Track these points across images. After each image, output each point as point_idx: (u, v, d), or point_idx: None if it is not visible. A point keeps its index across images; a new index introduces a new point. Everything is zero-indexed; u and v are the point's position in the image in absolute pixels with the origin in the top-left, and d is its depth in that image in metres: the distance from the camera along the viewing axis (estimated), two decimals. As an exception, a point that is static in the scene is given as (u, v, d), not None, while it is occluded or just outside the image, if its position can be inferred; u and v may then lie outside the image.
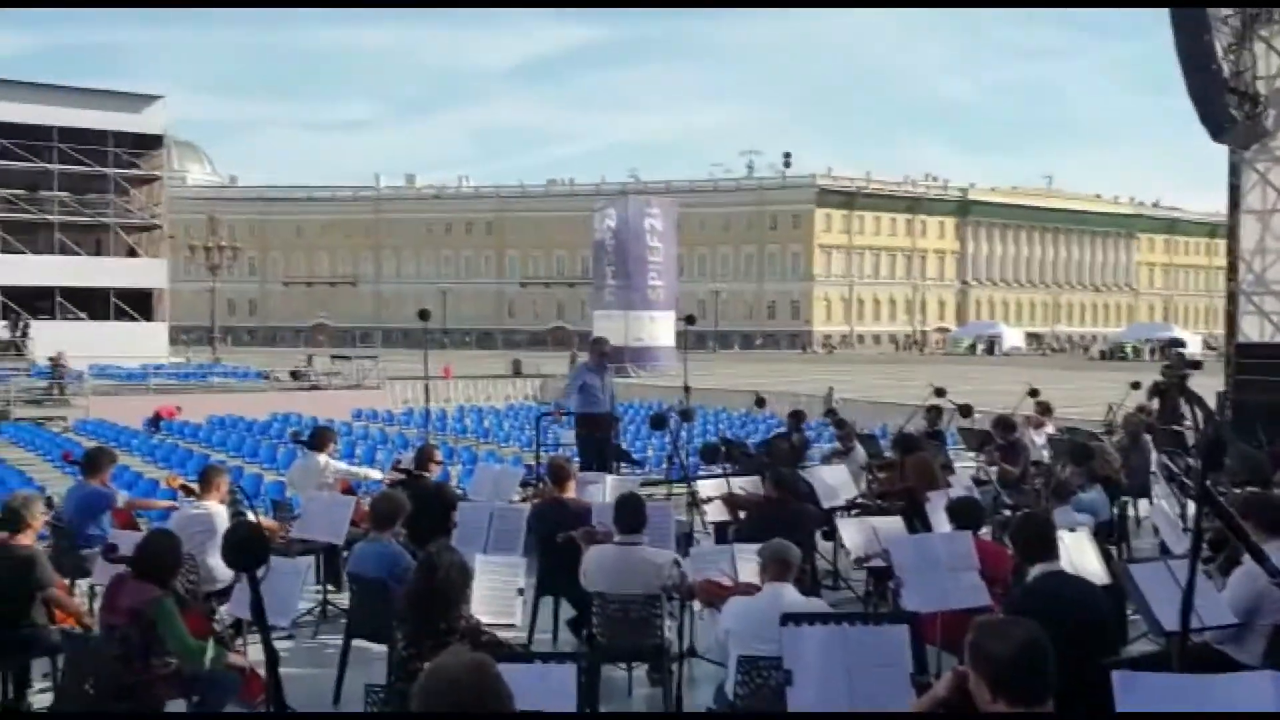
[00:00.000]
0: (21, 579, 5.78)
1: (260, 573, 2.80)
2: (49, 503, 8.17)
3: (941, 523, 7.30)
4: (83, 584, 7.31)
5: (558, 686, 3.29)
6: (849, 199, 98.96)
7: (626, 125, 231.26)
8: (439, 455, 9.37)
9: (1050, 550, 5.00)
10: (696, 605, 6.18)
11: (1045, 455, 11.49)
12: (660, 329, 42.61)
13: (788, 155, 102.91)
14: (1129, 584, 5.21)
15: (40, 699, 6.14)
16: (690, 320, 14.13)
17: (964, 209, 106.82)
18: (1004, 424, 11.09)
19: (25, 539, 5.94)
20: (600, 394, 10.88)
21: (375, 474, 9.87)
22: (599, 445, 10.62)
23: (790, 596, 5.11)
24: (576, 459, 10.17)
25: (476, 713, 2.32)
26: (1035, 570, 4.97)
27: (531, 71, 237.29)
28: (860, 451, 10.70)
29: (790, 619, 4.13)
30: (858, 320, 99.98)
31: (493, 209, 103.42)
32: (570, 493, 7.44)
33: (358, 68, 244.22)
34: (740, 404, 31.38)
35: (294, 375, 38.92)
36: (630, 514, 6.25)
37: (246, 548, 2.84)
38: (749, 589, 5.56)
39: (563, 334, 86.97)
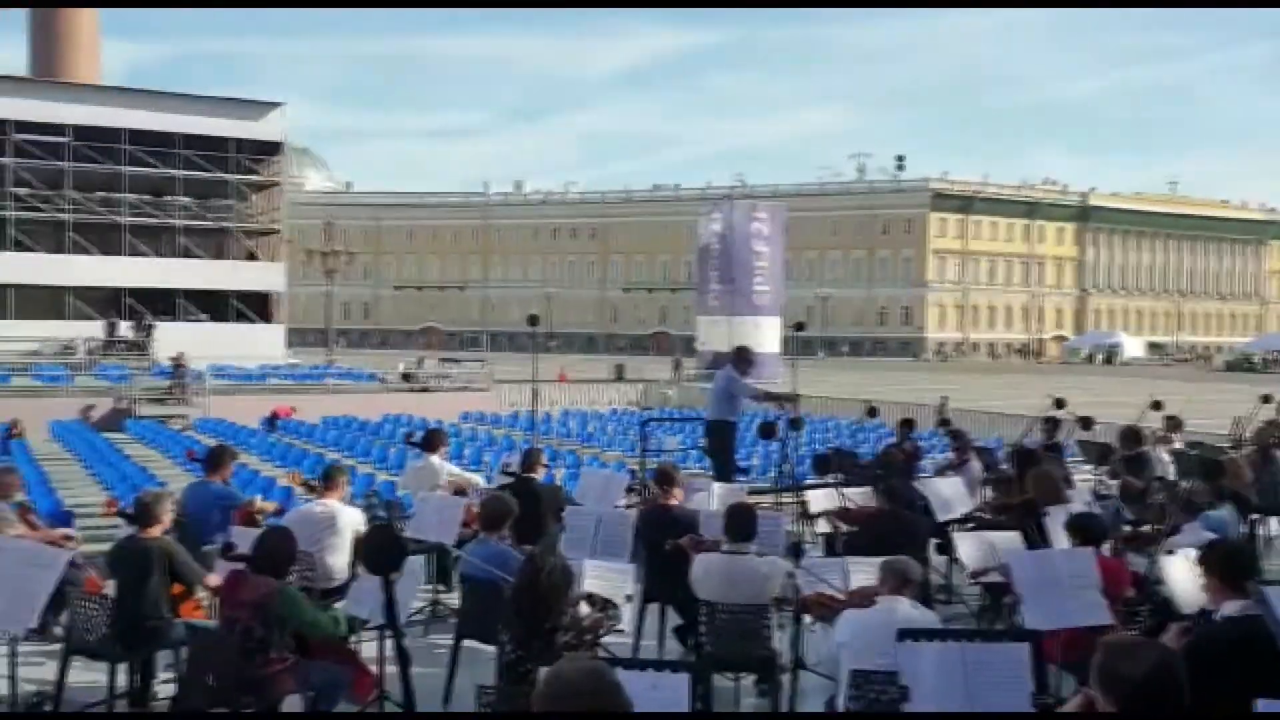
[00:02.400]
0: (151, 571, 5.97)
1: (394, 576, 2.83)
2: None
3: (1061, 538, 7.07)
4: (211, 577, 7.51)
5: (671, 695, 3.25)
6: (964, 203, 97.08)
7: (733, 129, 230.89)
8: (545, 458, 9.42)
9: (1248, 584, 4.64)
10: (806, 617, 6.08)
11: (1170, 470, 11.06)
12: (766, 335, 42.16)
13: (901, 158, 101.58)
14: (1263, 606, 4.95)
15: (164, 689, 6.33)
16: (800, 327, 14.01)
17: (1084, 214, 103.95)
18: (1132, 436, 10.70)
19: (154, 533, 6.13)
20: (740, 403, 10.92)
21: (479, 481, 9.97)
22: (728, 452, 10.60)
23: (907, 611, 5.00)
24: (701, 465, 10.14)
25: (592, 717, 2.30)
26: (1234, 605, 4.52)
27: (638, 76, 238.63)
28: (976, 464, 10.42)
29: (908, 634, 4.03)
30: (972, 328, 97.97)
31: (598, 214, 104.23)
32: (677, 499, 7.40)
33: (469, 75, 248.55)
34: (849, 412, 30.94)
35: (405, 377, 39.60)
36: (740, 523, 6.20)
37: (386, 551, 2.87)
38: (863, 601, 5.47)
39: (665, 339, 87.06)
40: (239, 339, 42.63)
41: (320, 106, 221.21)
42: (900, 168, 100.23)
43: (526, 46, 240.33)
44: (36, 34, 49.10)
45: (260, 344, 43.15)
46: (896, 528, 7.07)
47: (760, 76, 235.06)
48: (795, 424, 10.17)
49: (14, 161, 43.03)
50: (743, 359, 11.85)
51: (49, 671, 6.17)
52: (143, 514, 6.13)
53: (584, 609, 5.05)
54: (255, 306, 46.77)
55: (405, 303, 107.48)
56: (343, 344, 63.27)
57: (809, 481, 9.59)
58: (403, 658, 2.58)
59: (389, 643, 5.97)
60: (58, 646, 6.40)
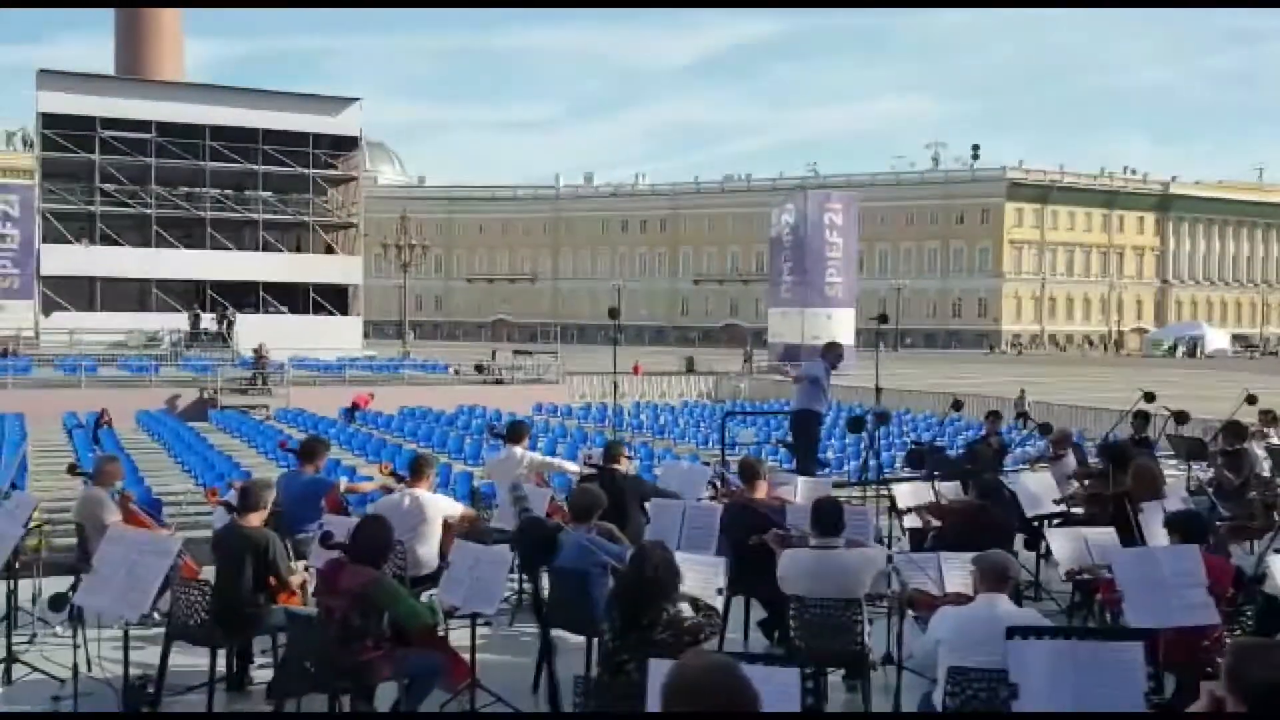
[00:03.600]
0: (251, 559, 6.09)
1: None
2: None
3: (1158, 535, 6.90)
4: (297, 566, 7.65)
5: (782, 690, 3.22)
6: (1041, 193, 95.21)
7: (804, 119, 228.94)
8: (627, 449, 9.42)
9: None
10: (909, 612, 6.01)
11: (1265, 466, 10.75)
12: (839, 327, 41.83)
13: (976, 147, 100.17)
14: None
15: (261, 674, 6.46)
16: (884, 319, 13.79)
17: (1165, 203, 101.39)
18: (1234, 431, 10.41)
19: (253, 521, 6.25)
20: (827, 395, 10.87)
21: (572, 467, 10.01)
22: (813, 443, 10.54)
23: (1007, 608, 4.92)
24: (774, 458, 10.08)
25: (723, 714, 2.28)
26: None
27: (709, 68, 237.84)
28: (1071, 459, 10.21)
29: (1017, 632, 3.95)
30: (1049, 319, 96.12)
31: (668, 206, 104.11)
32: (761, 493, 7.35)
33: (539, 68, 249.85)
34: (926, 405, 30.58)
35: (478, 369, 39.95)
36: (828, 517, 6.14)
37: (544, 547, 2.88)
38: (960, 599, 5.39)
39: (736, 331, 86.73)
40: (317, 331, 43.36)
41: (393, 101, 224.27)
42: (976, 157, 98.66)
43: (596, 39, 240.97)
44: (122, 34, 50.39)
45: (338, 336, 43.86)
46: (988, 523, 6.96)
47: (831, 65, 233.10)
48: (883, 418, 10.05)
49: (102, 158, 44.19)
50: (833, 352, 11.84)
51: (150, 655, 6.32)
52: (244, 503, 6.26)
53: (686, 610, 5.04)
54: (333, 299, 47.52)
55: (476, 295, 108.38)
56: (414, 336, 63.94)
57: (895, 475, 9.48)
58: (545, 645, 2.57)
59: (480, 630, 6.05)
60: (158, 631, 6.56)
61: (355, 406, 30.95)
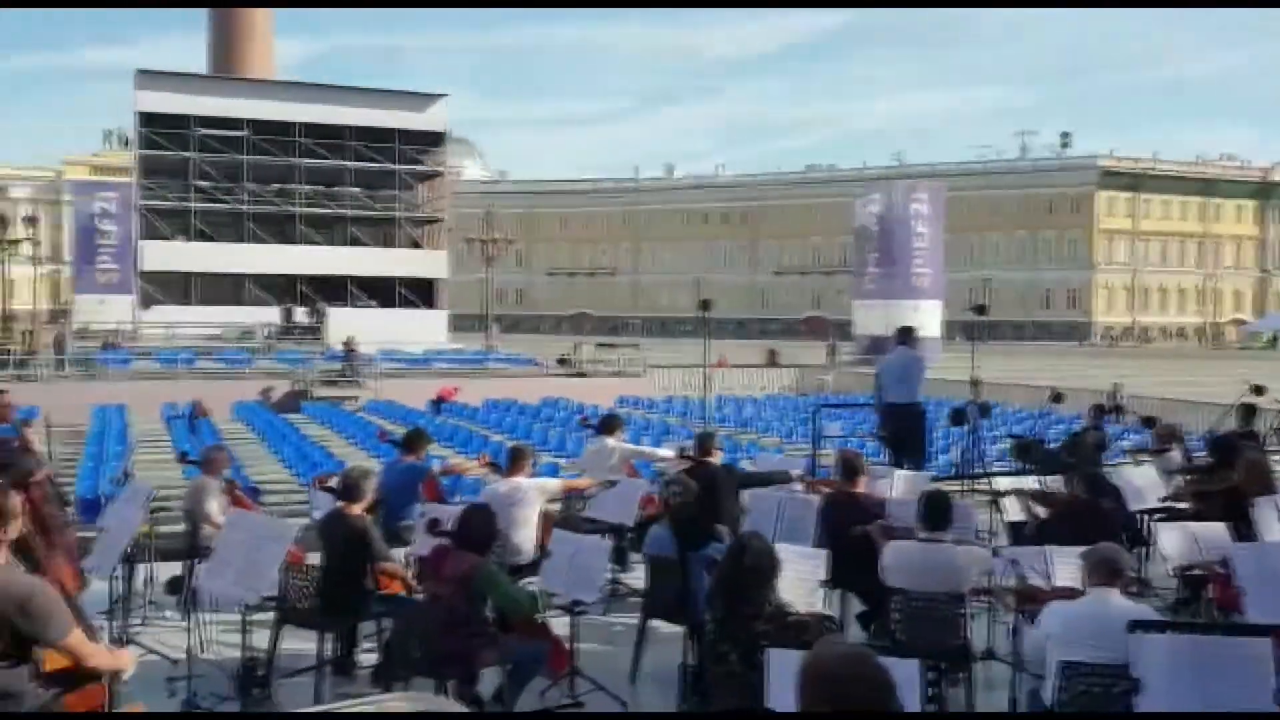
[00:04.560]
0: (355, 546, 6.22)
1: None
2: None
3: (1273, 529, 6.72)
4: (399, 553, 7.79)
5: (902, 683, 3.16)
6: (1134, 181, 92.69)
7: (889, 108, 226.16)
8: (720, 442, 9.42)
9: None
10: (1007, 607, 5.92)
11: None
12: (925, 319, 41.18)
13: (1066, 135, 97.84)
14: None
15: (367, 658, 6.59)
16: (980, 310, 13.49)
17: (1265, 191, 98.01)
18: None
19: (357, 509, 6.38)
20: (920, 384, 10.70)
21: (665, 453, 10.04)
22: (911, 437, 10.39)
23: (1120, 603, 4.81)
24: (874, 456, 9.94)
25: (859, 707, 2.25)
26: None
27: (791, 56, 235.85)
28: (1176, 453, 9.95)
29: (1139, 626, 3.86)
30: (1142, 311, 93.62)
31: (749, 198, 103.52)
32: (861, 487, 7.28)
33: (619, 61, 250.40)
34: (1020, 398, 30.02)
35: (561, 362, 40.20)
36: (935, 511, 6.08)
37: (697, 536, 2.87)
38: (1069, 593, 5.29)
39: (818, 323, 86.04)
40: (405, 324, 43.95)
41: (477, 97, 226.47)
42: (1066, 145, 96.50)
43: (675, 30, 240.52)
44: (215, 33, 51.63)
45: (424, 329, 44.43)
46: (1093, 517, 6.82)
47: (913, 53, 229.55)
48: (984, 410, 9.87)
49: (197, 156, 45.35)
50: (911, 336, 11.62)
51: (260, 639, 6.48)
52: (349, 491, 6.39)
53: (797, 607, 5.01)
54: (420, 293, 48.17)
55: (557, 289, 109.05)
56: (497, 329, 64.63)
57: (992, 468, 9.31)
58: (701, 642, 2.59)
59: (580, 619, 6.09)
60: (266, 616, 6.72)
61: (441, 399, 31.36)
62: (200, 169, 45.69)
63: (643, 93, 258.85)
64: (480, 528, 5.55)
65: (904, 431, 10.56)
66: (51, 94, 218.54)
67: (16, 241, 42.57)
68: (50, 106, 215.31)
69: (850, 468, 7.36)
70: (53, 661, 4.10)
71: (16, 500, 4.27)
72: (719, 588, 4.97)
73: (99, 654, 4.21)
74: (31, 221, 45.53)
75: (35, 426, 12.98)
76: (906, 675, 3.25)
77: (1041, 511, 7.53)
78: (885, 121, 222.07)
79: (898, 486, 8.15)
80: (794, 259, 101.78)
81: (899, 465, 9.46)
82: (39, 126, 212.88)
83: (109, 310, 44.28)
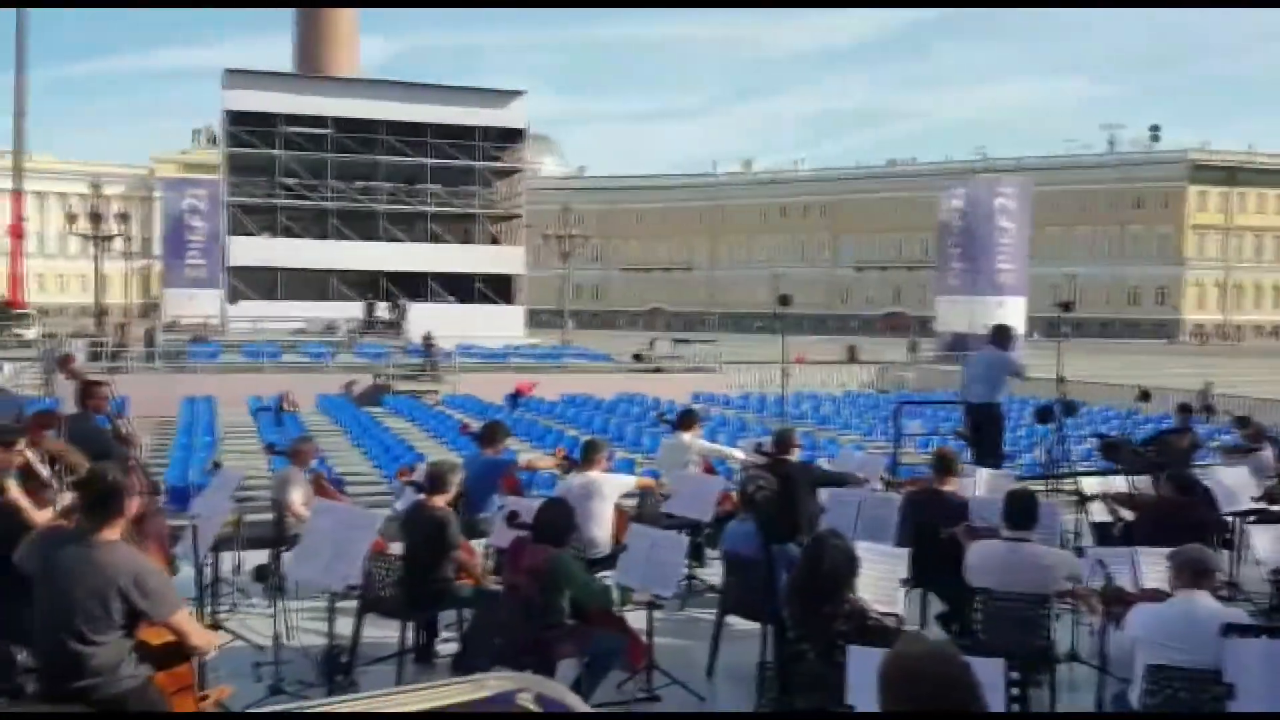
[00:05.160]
0: (436, 537, 6.31)
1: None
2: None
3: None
4: (477, 545, 7.89)
5: (985, 683, 3.12)
6: (1228, 175, 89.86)
7: (972, 101, 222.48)
8: (798, 439, 9.35)
9: None
10: (1088, 609, 5.81)
11: None
12: (1010, 315, 40.34)
13: (1156, 128, 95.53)
14: None
15: (447, 648, 6.68)
16: (1067, 306, 13.20)
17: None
18: None
19: (439, 501, 6.47)
20: (1003, 384, 10.51)
21: (738, 454, 10.00)
22: (986, 437, 10.22)
23: (1209, 605, 4.69)
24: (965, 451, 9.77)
25: (942, 706, 2.22)
26: None
27: (871, 50, 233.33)
28: (1268, 453, 9.65)
29: (1234, 630, 3.75)
30: (1235, 309, 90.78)
31: (829, 192, 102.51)
32: (950, 485, 7.18)
33: (697, 56, 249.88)
34: (1105, 397, 29.35)
35: (637, 358, 40.26)
36: (1021, 510, 5.98)
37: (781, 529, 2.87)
38: (1156, 595, 5.17)
39: (900, 320, 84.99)
40: (483, 320, 44.40)
41: (553, 93, 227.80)
42: (1155, 138, 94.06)
43: (753, 23, 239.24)
44: (301, 31, 52.60)
45: (502, 325, 44.86)
46: (1183, 518, 6.65)
47: (996, 45, 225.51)
48: (1070, 408, 9.66)
49: (283, 153, 46.31)
50: (1004, 336, 11.39)
51: (343, 627, 6.60)
52: (435, 483, 6.48)
53: (875, 606, 4.98)
54: (498, 289, 48.61)
55: (633, 284, 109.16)
56: (573, 325, 65.04)
57: (1076, 468, 9.12)
58: (780, 639, 2.59)
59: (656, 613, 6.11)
60: (349, 604, 6.85)
61: (518, 393, 31.64)
62: (286, 166, 46.62)
63: (722, 87, 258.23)
64: (557, 521, 5.60)
65: (980, 430, 10.39)
66: (143, 94, 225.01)
67: (110, 237, 43.87)
68: (142, 106, 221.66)
69: (944, 465, 7.26)
70: (150, 637, 4.24)
71: (134, 480, 4.43)
72: (796, 587, 4.95)
73: (199, 633, 4.36)
74: (124, 218, 46.85)
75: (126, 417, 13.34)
76: (990, 675, 3.20)
77: (1127, 514, 7.36)
78: (969, 115, 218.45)
79: (981, 485, 8.02)
80: (875, 254, 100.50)
81: (978, 464, 9.31)
82: (132, 125, 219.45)
83: (198, 304, 45.47)
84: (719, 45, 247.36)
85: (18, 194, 56.81)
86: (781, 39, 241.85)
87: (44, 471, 6.26)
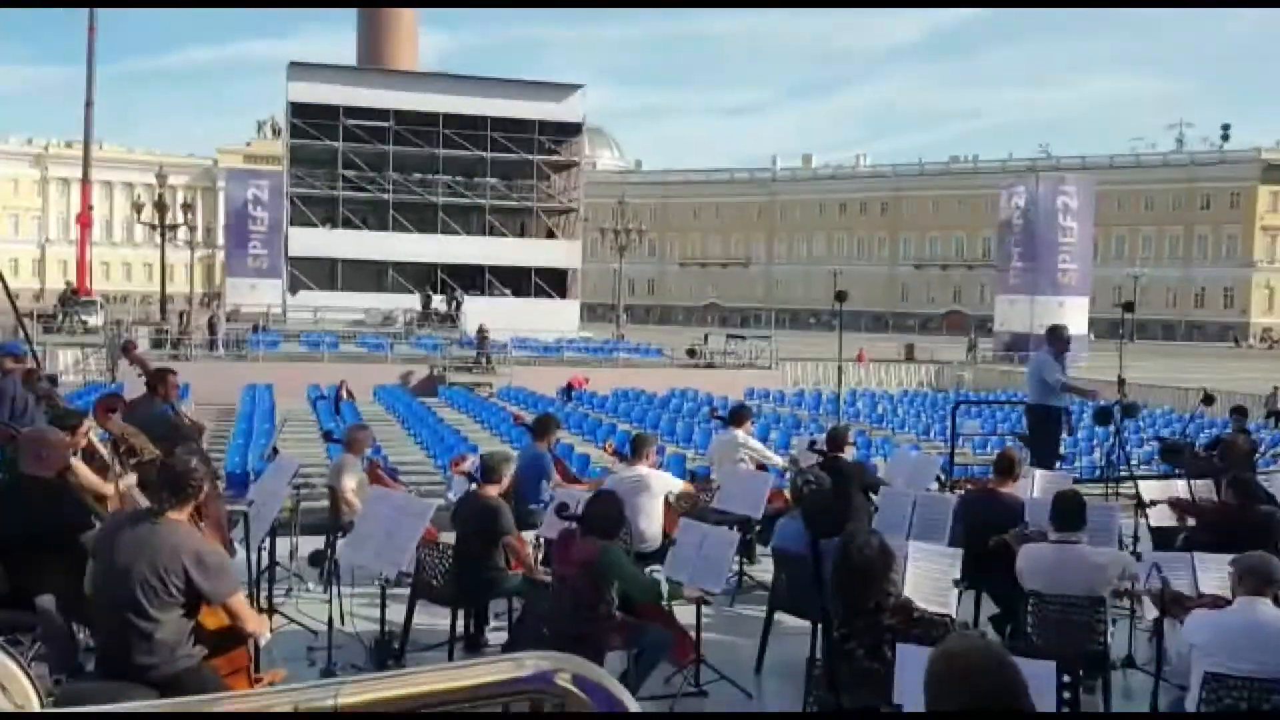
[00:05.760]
0: (488, 526, 6.35)
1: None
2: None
3: None
4: (527, 536, 7.93)
5: (1036, 685, 3.08)
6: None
7: (1036, 99, 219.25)
8: (851, 437, 9.29)
9: None
10: (1146, 612, 5.70)
11: None
12: (1071, 316, 39.79)
13: (1226, 128, 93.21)
14: None
15: (496, 636, 6.73)
16: (1128, 307, 12.92)
17: None
18: None
19: (492, 491, 6.51)
20: (1055, 382, 10.28)
21: (777, 460, 9.95)
22: (1053, 439, 10.05)
23: (1272, 614, 4.58)
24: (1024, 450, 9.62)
25: (989, 705, 2.19)
26: None
27: (933, 47, 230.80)
28: (1336, 458, 9.42)
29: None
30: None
31: (888, 189, 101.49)
32: (1010, 487, 7.08)
33: (755, 51, 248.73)
34: (1168, 400, 28.84)
35: (690, 353, 40.24)
36: (1068, 511, 5.88)
37: (829, 523, 2.87)
38: (1216, 602, 5.06)
39: (959, 319, 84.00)
40: (538, 313, 44.63)
41: (612, 87, 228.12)
42: (1225, 137, 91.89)
43: (811, 20, 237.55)
44: (364, 26, 53.19)
45: (557, 318, 45.04)
46: (1247, 524, 6.49)
47: (1064, 42, 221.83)
48: (1130, 410, 9.47)
49: (344, 145, 46.86)
50: (1055, 338, 11.07)
51: (395, 613, 6.67)
52: (488, 472, 6.53)
53: (926, 606, 4.93)
54: (553, 282, 48.82)
55: (688, 279, 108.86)
56: (627, 319, 65.19)
57: (1136, 471, 8.95)
58: (827, 636, 2.58)
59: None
60: (401, 591, 6.92)
61: (571, 387, 31.78)
62: (346, 158, 47.19)
63: (782, 83, 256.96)
64: (606, 513, 5.60)
65: (1036, 432, 10.22)
66: (208, 86, 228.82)
67: (174, 227, 44.63)
68: (208, 98, 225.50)
69: (1004, 465, 7.17)
70: (207, 621, 4.31)
71: (205, 467, 4.53)
72: (835, 586, 4.91)
73: (254, 617, 4.44)
74: (188, 208, 47.61)
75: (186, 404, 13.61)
76: (1040, 677, 3.15)
77: (1188, 519, 7.21)
78: (1031, 112, 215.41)
79: (1037, 487, 7.91)
80: (935, 252, 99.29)
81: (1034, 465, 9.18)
82: (197, 117, 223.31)
83: (259, 294, 46.17)
84: (779, 40, 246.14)
85: (85, 184, 58.05)
86: (843, 35, 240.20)
87: (105, 452, 6.41)
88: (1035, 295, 43.57)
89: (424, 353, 36.21)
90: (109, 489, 5.70)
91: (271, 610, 7.00)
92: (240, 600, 4.32)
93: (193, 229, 51.11)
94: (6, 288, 10.14)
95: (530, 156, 48.75)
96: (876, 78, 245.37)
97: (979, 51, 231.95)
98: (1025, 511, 6.82)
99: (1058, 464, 10.22)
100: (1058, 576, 5.75)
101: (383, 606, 6.24)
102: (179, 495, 4.24)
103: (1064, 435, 10.45)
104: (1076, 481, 8.72)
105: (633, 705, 0.80)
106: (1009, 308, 46.95)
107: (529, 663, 0.82)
